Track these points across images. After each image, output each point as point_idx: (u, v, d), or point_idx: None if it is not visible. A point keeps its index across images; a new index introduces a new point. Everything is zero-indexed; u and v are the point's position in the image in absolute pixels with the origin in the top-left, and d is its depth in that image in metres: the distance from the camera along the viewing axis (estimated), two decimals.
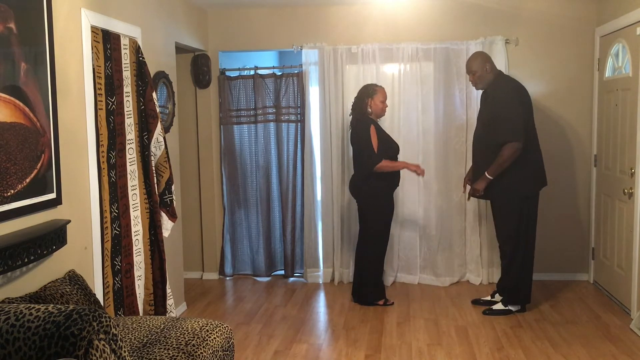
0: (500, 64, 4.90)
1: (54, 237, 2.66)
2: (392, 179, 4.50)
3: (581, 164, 5.07)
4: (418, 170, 4.49)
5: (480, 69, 4.25)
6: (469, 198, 4.48)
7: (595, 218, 4.99)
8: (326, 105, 5.15)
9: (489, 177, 4.16)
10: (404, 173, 4.77)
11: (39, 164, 2.67)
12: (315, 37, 5.20)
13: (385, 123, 4.95)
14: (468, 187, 4.47)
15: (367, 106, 4.49)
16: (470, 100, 5.00)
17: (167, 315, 3.71)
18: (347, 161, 5.12)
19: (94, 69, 3.17)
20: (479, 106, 4.75)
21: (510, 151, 4.05)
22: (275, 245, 5.48)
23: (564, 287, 4.95)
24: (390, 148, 4.48)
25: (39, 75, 2.68)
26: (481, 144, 4.29)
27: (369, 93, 4.51)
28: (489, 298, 4.55)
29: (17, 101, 2.52)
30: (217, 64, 5.34)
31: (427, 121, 5.09)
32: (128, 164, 3.46)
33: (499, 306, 4.35)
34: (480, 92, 4.56)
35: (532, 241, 4.29)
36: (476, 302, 4.59)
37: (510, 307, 4.32)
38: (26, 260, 2.45)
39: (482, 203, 5.01)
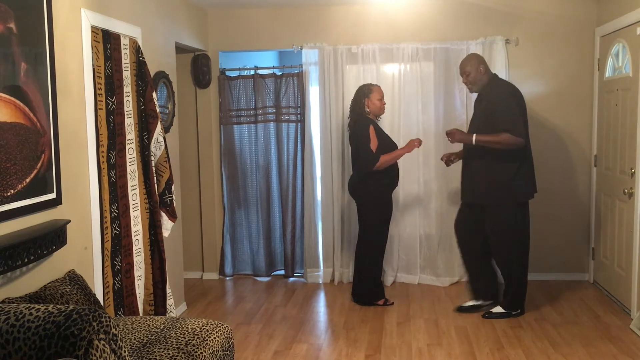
0: (501, 64, 4.90)
1: (54, 237, 2.66)
2: (391, 179, 4.49)
3: (581, 164, 5.07)
4: (416, 145, 4.43)
5: (474, 70, 4.17)
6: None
7: (595, 218, 4.99)
8: (326, 105, 5.15)
9: (473, 140, 4.04)
10: (403, 173, 4.75)
11: (39, 164, 2.67)
12: (315, 37, 5.20)
13: (386, 123, 4.95)
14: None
15: (364, 106, 4.49)
16: (470, 100, 4.99)
17: (167, 315, 3.71)
18: (347, 161, 5.12)
19: (94, 69, 3.17)
20: None
21: (510, 140, 3.93)
22: (275, 245, 5.48)
23: (564, 287, 4.94)
24: (389, 148, 4.48)
25: (39, 75, 2.68)
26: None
27: (364, 93, 4.51)
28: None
29: (17, 101, 2.52)
30: (217, 64, 5.34)
31: (427, 121, 5.08)
32: (128, 164, 3.46)
33: (471, 303, 4.41)
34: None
35: (526, 249, 4.24)
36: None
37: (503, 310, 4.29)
38: (26, 260, 2.45)
39: None
